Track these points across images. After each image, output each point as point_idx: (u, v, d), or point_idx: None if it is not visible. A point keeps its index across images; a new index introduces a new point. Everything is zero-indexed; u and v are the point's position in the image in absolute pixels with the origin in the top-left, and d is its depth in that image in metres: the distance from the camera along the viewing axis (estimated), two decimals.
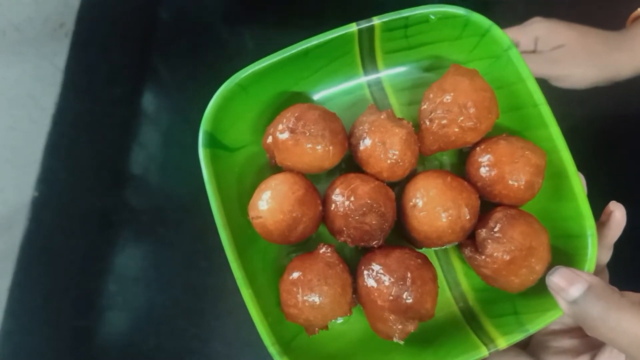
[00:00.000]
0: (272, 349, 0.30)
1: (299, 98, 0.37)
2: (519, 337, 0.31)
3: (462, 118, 0.32)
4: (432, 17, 0.34)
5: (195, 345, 0.53)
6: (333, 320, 0.33)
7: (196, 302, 0.54)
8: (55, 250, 0.56)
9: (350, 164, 0.35)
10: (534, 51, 0.50)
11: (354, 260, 0.34)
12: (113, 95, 0.61)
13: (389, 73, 0.37)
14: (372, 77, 0.37)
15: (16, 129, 0.94)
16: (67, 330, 0.54)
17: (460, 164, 0.36)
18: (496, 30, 0.34)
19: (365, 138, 0.32)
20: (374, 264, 0.31)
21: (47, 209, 0.57)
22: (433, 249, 0.35)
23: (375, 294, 0.30)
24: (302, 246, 0.35)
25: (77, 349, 0.53)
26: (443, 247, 0.35)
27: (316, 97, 0.37)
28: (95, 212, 0.57)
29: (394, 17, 0.34)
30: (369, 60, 0.37)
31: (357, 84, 0.37)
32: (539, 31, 0.49)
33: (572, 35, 0.49)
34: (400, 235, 0.35)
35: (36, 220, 0.56)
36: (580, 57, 0.48)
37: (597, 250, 0.31)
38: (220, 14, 0.64)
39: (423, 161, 0.37)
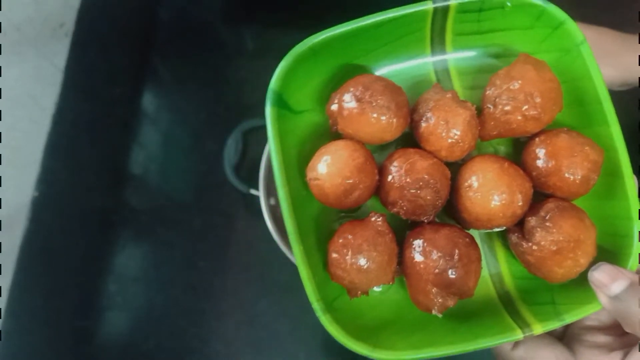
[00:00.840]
0: (316, 304, 0.31)
1: (362, 71, 0.37)
2: (555, 324, 0.31)
3: (526, 107, 0.32)
4: (509, 3, 0.34)
5: (195, 345, 0.53)
6: (373, 288, 0.34)
7: (196, 302, 0.54)
8: (55, 250, 0.56)
9: (406, 140, 0.36)
10: None
11: (400, 233, 0.34)
12: (113, 95, 0.61)
13: (456, 56, 0.37)
14: (439, 57, 0.37)
15: (16, 129, 0.94)
16: (67, 330, 0.54)
17: (515, 155, 0.36)
18: (571, 23, 0.34)
19: (428, 115, 0.33)
20: (423, 237, 0.32)
21: (47, 209, 0.57)
22: (479, 231, 0.36)
23: (421, 266, 0.31)
24: (352, 213, 0.36)
25: (77, 349, 0.53)
26: (489, 231, 0.36)
27: (379, 72, 0.37)
28: (95, 212, 0.58)
29: None
30: (438, 40, 0.37)
31: (422, 63, 0.37)
32: None
33: (589, 34, 0.48)
34: (448, 214, 0.36)
35: (36, 220, 0.56)
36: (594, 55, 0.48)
37: None
38: (220, 14, 0.64)
39: (479, 146, 0.37)
